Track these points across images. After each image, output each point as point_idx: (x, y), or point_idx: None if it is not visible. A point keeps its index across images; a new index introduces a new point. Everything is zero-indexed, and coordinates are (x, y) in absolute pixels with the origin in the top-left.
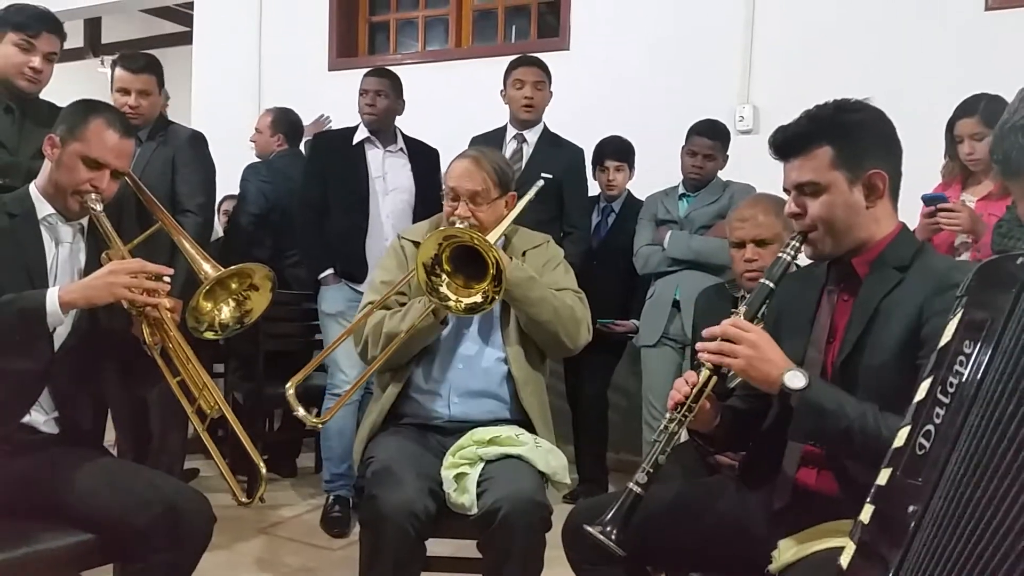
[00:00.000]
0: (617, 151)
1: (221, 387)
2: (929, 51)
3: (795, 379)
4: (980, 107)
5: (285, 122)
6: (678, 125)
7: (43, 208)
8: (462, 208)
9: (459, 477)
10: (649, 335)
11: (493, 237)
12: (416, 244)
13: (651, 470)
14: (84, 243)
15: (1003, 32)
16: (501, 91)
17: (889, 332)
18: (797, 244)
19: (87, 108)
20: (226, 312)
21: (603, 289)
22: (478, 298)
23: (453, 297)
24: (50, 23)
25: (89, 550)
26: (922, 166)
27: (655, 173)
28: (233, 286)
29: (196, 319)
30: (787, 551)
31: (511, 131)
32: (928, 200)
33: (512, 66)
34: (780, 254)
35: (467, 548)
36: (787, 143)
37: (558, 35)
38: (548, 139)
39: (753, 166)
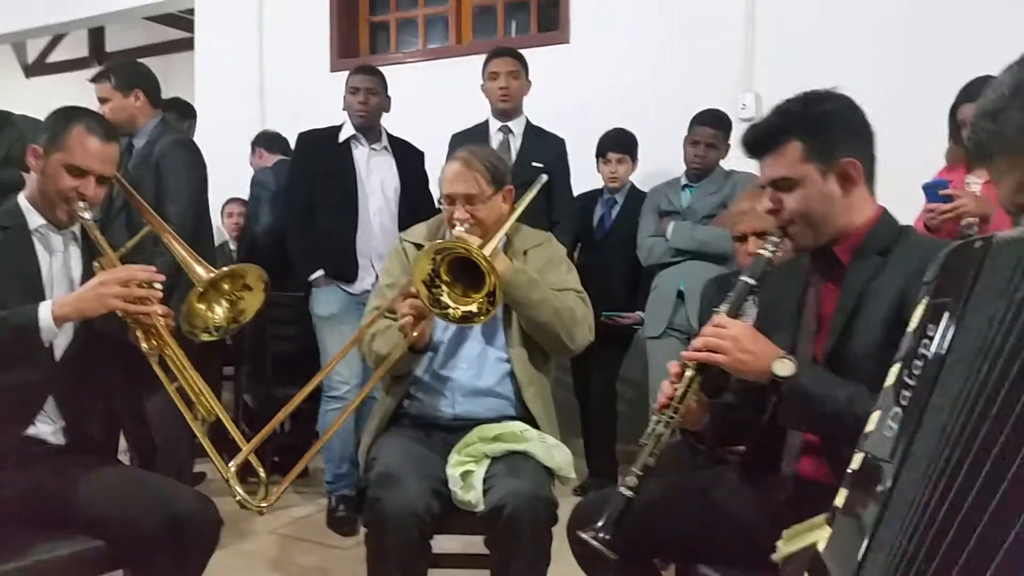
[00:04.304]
0: (619, 143)
1: (231, 390)
2: (934, 33)
3: (783, 367)
4: (983, 91)
5: (263, 140)
6: (681, 115)
7: (34, 219)
8: (459, 211)
9: (465, 475)
10: (654, 326)
11: (490, 247)
12: (417, 246)
13: (640, 473)
14: (79, 250)
15: (1010, 12)
16: (481, 85)
17: (874, 317)
18: (777, 239)
19: (67, 116)
20: (219, 313)
21: (607, 281)
22: (473, 308)
23: (452, 305)
24: None
25: (98, 557)
26: (928, 150)
27: (659, 164)
28: (226, 287)
29: (191, 322)
30: (791, 540)
31: (495, 123)
32: (928, 188)
33: (487, 59)
34: (760, 251)
35: (475, 544)
36: (757, 142)
37: (558, 28)
38: (533, 130)
39: None
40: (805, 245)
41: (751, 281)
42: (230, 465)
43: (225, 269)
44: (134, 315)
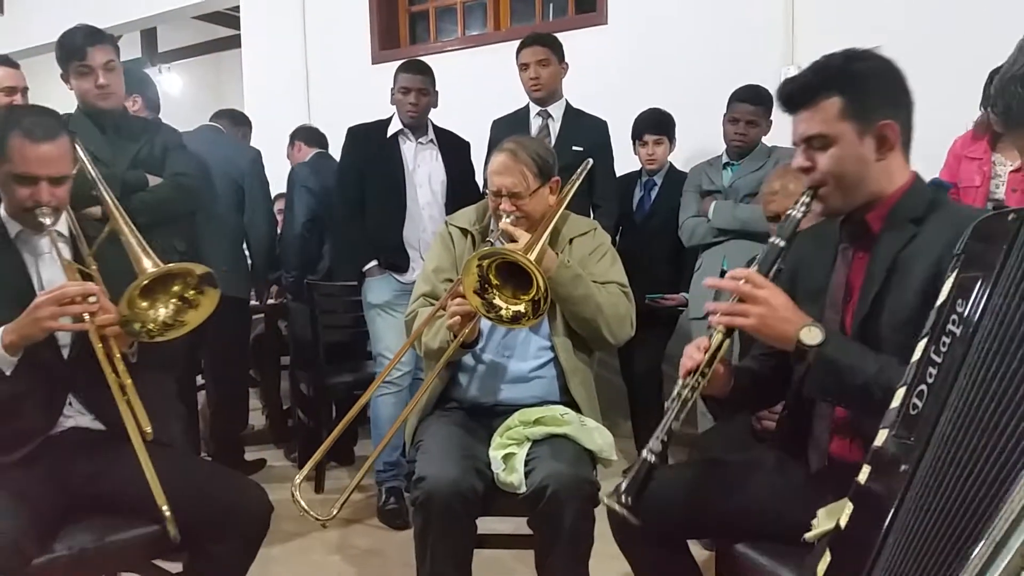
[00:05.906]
0: (655, 124)
1: (286, 379)
2: (977, 6)
3: (811, 335)
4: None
5: (302, 133)
6: (722, 93)
7: (13, 227)
8: (506, 203)
9: (507, 457)
10: (699, 308)
11: (536, 250)
12: (463, 231)
13: (665, 438)
14: (68, 247)
15: None
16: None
17: (908, 287)
18: (807, 200)
19: (4, 124)
20: (162, 313)
21: (650, 263)
22: (521, 308)
23: (504, 307)
24: (92, 37)
25: (156, 541)
26: (968, 119)
27: (702, 143)
28: (175, 288)
29: (132, 314)
30: (825, 520)
31: (534, 108)
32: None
33: (517, 49)
34: (790, 211)
35: (520, 525)
36: (795, 94)
37: (595, 10)
38: (573, 113)
39: None
40: (835, 207)
41: (780, 243)
42: (296, 479)
43: (172, 265)
44: (73, 331)
